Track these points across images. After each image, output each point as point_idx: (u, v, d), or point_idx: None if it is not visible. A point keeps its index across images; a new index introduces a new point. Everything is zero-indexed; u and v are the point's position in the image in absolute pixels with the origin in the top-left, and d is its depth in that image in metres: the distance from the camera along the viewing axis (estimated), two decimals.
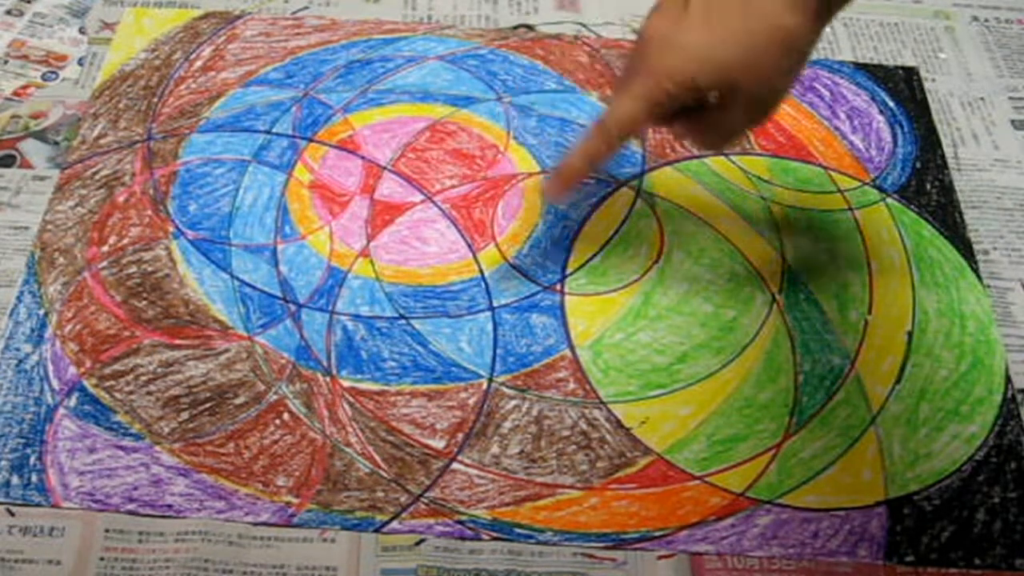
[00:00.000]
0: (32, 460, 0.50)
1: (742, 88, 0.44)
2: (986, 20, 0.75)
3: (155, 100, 0.65)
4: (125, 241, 0.58)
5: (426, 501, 0.50)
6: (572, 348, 0.55)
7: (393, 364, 0.54)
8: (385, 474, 0.51)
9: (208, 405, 0.52)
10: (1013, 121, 0.68)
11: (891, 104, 0.68)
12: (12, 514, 0.49)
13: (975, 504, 0.51)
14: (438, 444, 0.52)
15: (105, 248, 0.58)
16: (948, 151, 0.66)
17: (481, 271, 0.58)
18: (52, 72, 0.66)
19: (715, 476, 0.51)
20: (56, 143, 0.62)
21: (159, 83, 0.66)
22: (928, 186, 0.64)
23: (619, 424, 0.53)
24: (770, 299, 0.58)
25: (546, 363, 0.55)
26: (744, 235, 0.60)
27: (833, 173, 0.64)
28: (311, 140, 0.63)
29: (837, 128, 0.67)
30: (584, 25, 0.72)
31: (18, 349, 0.54)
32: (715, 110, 0.45)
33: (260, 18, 0.70)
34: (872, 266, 0.60)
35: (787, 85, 0.46)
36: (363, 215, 0.60)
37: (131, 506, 0.49)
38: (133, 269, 0.57)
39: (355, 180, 0.62)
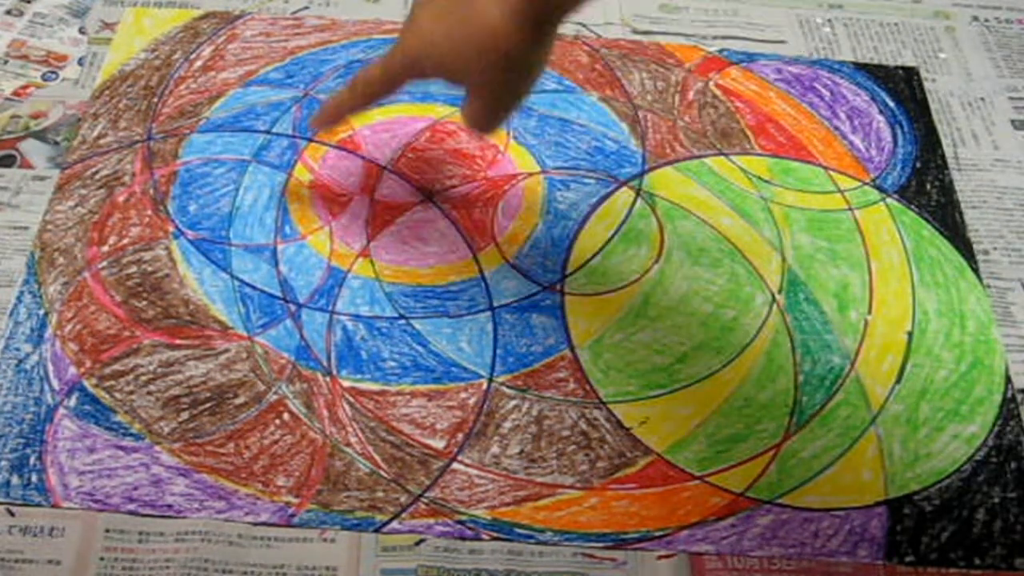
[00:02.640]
0: (32, 460, 0.50)
1: (459, 81, 0.47)
2: (986, 20, 0.75)
3: (155, 100, 0.65)
4: (125, 241, 0.58)
5: (426, 501, 0.50)
6: (572, 348, 0.55)
7: (393, 364, 0.54)
8: (385, 474, 0.51)
9: (208, 405, 0.52)
10: (1013, 121, 0.68)
11: (891, 104, 0.68)
12: (12, 514, 0.49)
13: (975, 504, 0.51)
14: (438, 444, 0.52)
15: (105, 248, 0.58)
16: (948, 151, 0.66)
17: (481, 271, 0.58)
18: (52, 72, 0.66)
19: (715, 476, 0.51)
20: (56, 143, 0.62)
21: (159, 83, 0.66)
22: (928, 186, 0.64)
23: (619, 424, 0.53)
24: (770, 299, 0.58)
25: (546, 363, 0.55)
26: (744, 235, 0.60)
27: (833, 173, 0.64)
28: (311, 140, 0.63)
29: (837, 128, 0.67)
30: (584, 25, 0.72)
31: (18, 349, 0.54)
32: (466, 93, 0.48)
33: (260, 18, 0.70)
34: (872, 266, 0.60)
35: (505, 83, 0.46)
36: (363, 215, 0.60)
37: (131, 506, 0.49)
38: (133, 269, 0.57)
39: (355, 180, 0.62)
